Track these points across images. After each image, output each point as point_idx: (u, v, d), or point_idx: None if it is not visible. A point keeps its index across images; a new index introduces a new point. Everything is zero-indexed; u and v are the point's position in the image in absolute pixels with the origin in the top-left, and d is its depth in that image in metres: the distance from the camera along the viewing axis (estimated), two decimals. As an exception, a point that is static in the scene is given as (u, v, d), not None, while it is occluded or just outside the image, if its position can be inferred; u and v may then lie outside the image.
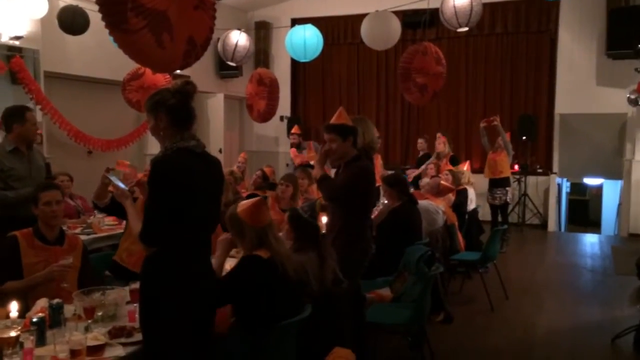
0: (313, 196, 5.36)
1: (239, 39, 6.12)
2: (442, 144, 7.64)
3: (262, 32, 10.81)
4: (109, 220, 5.11)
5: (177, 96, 2.34)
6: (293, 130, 8.25)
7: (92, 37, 6.67)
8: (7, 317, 2.48)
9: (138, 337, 2.42)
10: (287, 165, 10.20)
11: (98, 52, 7.44)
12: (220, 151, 9.83)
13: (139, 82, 6.40)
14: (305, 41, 6.24)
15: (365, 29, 6.18)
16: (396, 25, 6.20)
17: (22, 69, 6.56)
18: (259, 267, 2.65)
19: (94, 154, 7.95)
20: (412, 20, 9.45)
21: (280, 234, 3.23)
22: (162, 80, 6.40)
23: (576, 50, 9.31)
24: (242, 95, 8.69)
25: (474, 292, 5.68)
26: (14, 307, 2.39)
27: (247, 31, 6.63)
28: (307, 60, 6.52)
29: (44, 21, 6.65)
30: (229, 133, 10.62)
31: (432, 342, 4.00)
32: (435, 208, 5.58)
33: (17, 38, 6.53)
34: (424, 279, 3.69)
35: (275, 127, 10.94)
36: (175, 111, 2.32)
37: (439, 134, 7.77)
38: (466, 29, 5.81)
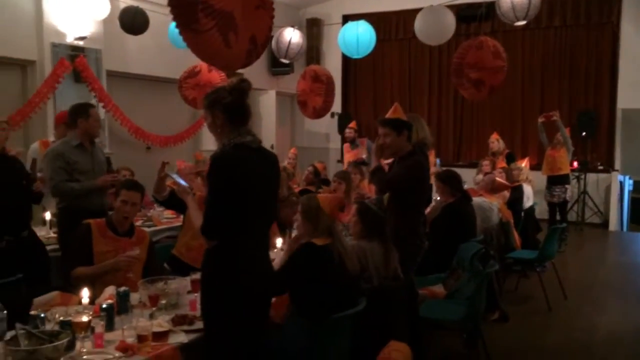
0: (365, 192, 5.36)
1: (292, 36, 6.19)
2: (495, 142, 7.50)
3: (314, 29, 10.87)
4: (168, 213, 5.30)
5: (232, 94, 2.39)
6: (350, 125, 8.26)
7: (151, 36, 6.90)
8: (79, 303, 2.62)
9: (199, 325, 2.51)
10: (338, 161, 10.23)
11: (156, 51, 7.69)
12: (272, 147, 9.95)
13: (195, 80, 6.57)
14: (358, 37, 6.25)
15: (419, 24, 6.12)
16: (451, 20, 6.11)
17: (85, 68, 6.85)
18: (314, 254, 2.71)
19: (152, 149, 8.22)
20: (466, 14, 9.27)
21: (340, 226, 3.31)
22: (217, 78, 6.55)
23: (640, 43, 8.91)
24: (293, 91, 8.76)
25: (531, 291, 5.55)
26: (85, 294, 2.52)
27: (299, 28, 6.69)
28: (359, 56, 6.52)
29: (106, 22, 6.92)
30: (281, 129, 10.74)
31: (487, 341, 3.93)
32: (489, 205, 5.49)
33: (81, 39, 6.83)
34: (479, 277, 3.64)
35: (326, 124, 10.98)
36: (232, 108, 2.38)
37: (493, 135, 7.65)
38: (524, 22, 5.66)
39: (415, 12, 6.39)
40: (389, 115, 3.52)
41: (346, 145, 8.22)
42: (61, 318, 2.30)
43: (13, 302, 2.27)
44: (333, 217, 2.88)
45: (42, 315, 2.30)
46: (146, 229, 4.58)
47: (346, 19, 9.50)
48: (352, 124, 8.34)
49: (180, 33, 2.90)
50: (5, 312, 1.97)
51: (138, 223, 4.90)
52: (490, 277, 4.22)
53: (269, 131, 10.18)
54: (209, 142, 8.88)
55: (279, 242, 3.85)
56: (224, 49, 2.85)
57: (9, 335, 2.09)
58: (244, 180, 2.32)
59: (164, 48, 7.17)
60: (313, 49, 10.83)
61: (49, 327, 2.28)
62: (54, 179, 3.92)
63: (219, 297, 2.37)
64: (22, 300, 2.57)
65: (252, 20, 2.89)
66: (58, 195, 4.01)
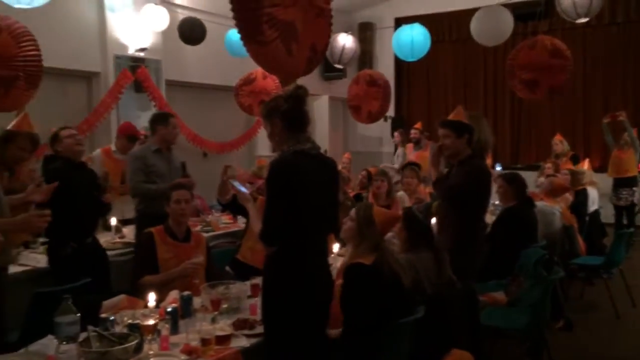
0: (422, 196, 5.30)
1: (346, 41, 6.21)
2: (558, 144, 7.25)
3: (367, 33, 10.86)
4: (226, 218, 5.42)
5: (289, 101, 2.41)
6: (415, 126, 8.19)
7: (208, 46, 7.06)
8: (144, 306, 2.70)
9: (260, 329, 2.54)
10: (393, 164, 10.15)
11: (213, 60, 7.87)
12: (325, 152, 9.99)
13: (250, 87, 6.69)
14: (412, 40, 6.20)
15: (475, 25, 6.00)
16: (508, 20, 5.97)
17: (146, 78, 7.10)
18: (365, 274, 2.66)
19: (209, 156, 8.42)
20: (523, 13, 9.01)
21: (390, 234, 3.26)
22: (271, 85, 6.65)
23: None
24: (346, 96, 8.78)
25: (597, 299, 5.32)
26: (152, 298, 2.59)
27: (351, 33, 6.70)
28: (414, 59, 6.48)
29: (165, 33, 7.15)
30: (333, 134, 10.78)
31: (551, 350, 3.80)
32: (551, 209, 5.31)
33: (142, 50, 7.08)
34: (543, 284, 3.53)
35: (379, 128, 10.92)
36: (289, 116, 2.40)
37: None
38: (586, 19, 5.45)
39: (469, 12, 6.27)
40: (451, 117, 3.48)
41: (409, 146, 8.14)
42: (129, 321, 2.38)
43: (83, 305, 2.36)
44: (383, 232, 2.83)
45: (112, 318, 2.39)
46: (205, 234, 4.71)
47: (399, 21, 9.46)
48: (417, 125, 8.24)
49: (245, 45, 2.97)
50: (78, 315, 2.06)
51: (197, 228, 5.02)
52: (555, 284, 4.07)
53: (322, 136, 10.22)
54: (264, 148, 9.00)
55: (335, 247, 3.85)
56: (286, 58, 2.90)
57: (82, 336, 2.18)
58: (302, 187, 2.33)
59: (220, 57, 7.34)
60: (365, 53, 10.81)
61: (118, 329, 2.37)
62: (133, 180, 4.18)
63: (278, 302, 2.40)
64: (91, 303, 2.67)
65: (312, 29, 2.93)
66: (136, 195, 4.26)
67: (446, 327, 2.94)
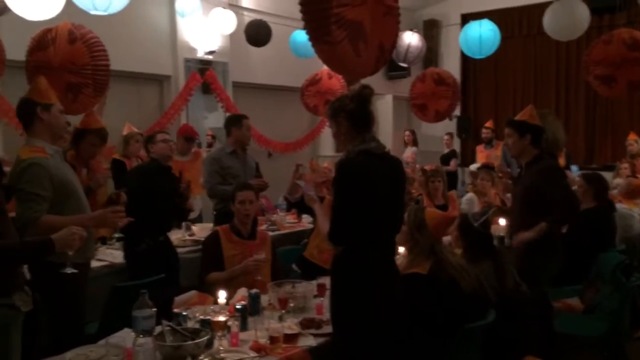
0: (491, 200, 5.14)
1: (411, 39, 6.13)
2: (633, 144, 6.86)
3: (433, 31, 10.68)
4: (290, 218, 5.47)
5: (355, 101, 2.42)
6: (487, 125, 7.96)
7: (273, 47, 7.17)
8: (214, 303, 2.77)
9: (327, 329, 2.55)
10: (458, 165, 9.92)
11: (278, 61, 7.99)
12: (388, 152, 9.92)
13: (316, 88, 6.74)
14: (480, 37, 6.04)
15: (549, 19, 5.76)
16: (584, 13, 5.69)
17: (214, 80, 7.30)
18: (421, 286, 2.62)
19: (273, 156, 8.54)
20: (599, 6, 8.55)
21: (447, 237, 3.18)
22: (337, 85, 6.66)
23: None
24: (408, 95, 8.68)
25: (681, 308, 4.97)
26: (222, 295, 2.66)
27: (416, 30, 6.61)
28: (482, 56, 6.31)
29: (232, 36, 7.32)
30: (397, 133, 10.67)
31: (631, 361, 3.60)
32: (630, 212, 5.04)
33: (210, 53, 7.29)
34: (622, 290, 3.34)
35: (444, 127, 10.71)
36: (355, 115, 2.40)
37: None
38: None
39: (540, 6, 6.04)
40: (519, 117, 3.37)
41: (480, 146, 7.93)
42: (201, 317, 2.45)
43: (157, 300, 2.45)
44: (437, 236, 2.76)
45: (184, 313, 2.47)
46: (270, 233, 4.78)
47: (465, 18, 9.23)
48: (488, 123, 8.00)
49: (313, 46, 2.99)
50: (154, 309, 2.14)
51: (262, 227, 5.10)
52: (635, 291, 3.85)
53: (385, 136, 10.12)
54: (327, 148, 9.05)
55: (401, 248, 3.80)
56: (354, 58, 2.90)
57: (156, 330, 2.26)
58: (369, 187, 2.32)
59: (285, 58, 7.44)
60: (430, 51, 10.63)
61: (190, 324, 2.44)
62: (210, 182, 4.37)
63: (346, 302, 2.40)
64: (164, 298, 2.77)
65: (380, 28, 2.92)
66: (212, 196, 4.46)
67: (517, 335, 2.84)
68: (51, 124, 2.73)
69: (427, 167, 6.24)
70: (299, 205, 3.85)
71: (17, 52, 4.07)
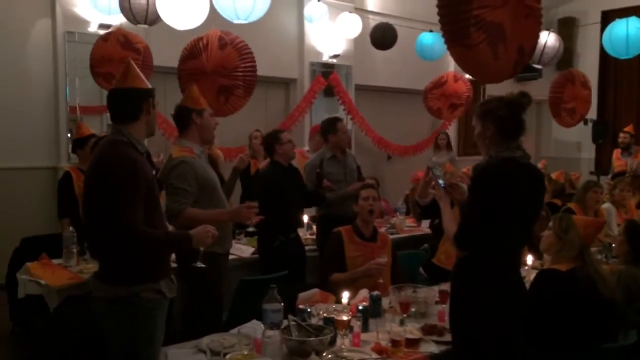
0: (631, 212, 4.72)
1: (547, 39, 5.78)
2: None
3: (569, 29, 10.00)
4: (409, 222, 5.43)
5: (509, 107, 2.33)
6: (626, 129, 7.32)
7: (397, 50, 7.15)
8: (336, 302, 2.83)
9: (449, 337, 2.49)
10: (592, 172, 9.22)
11: (401, 64, 7.95)
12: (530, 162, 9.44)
13: (441, 91, 6.62)
14: (627, 35, 5.55)
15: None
16: None
17: (338, 83, 7.45)
18: (556, 281, 2.53)
19: (393, 159, 8.52)
20: None
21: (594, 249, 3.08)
22: (463, 87, 6.49)
23: None
24: (540, 98, 8.19)
25: None
26: (345, 295, 2.71)
27: (553, 30, 6.22)
28: (629, 56, 5.80)
29: (356, 40, 7.41)
30: (525, 138, 10.05)
31: None
32: None
33: (335, 56, 7.45)
34: None
35: (577, 131, 10.00)
36: (504, 122, 2.31)
37: None
38: None
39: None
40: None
41: (617, 151, 7.31)
42: (324, 314, 2.52)
43: (284, 295, 2.55)
44: (587, 241, 2.71)
45: (309, 310, 2.55)
46: (390, 237, 4.78)
47: (606, 15, 8.54)
48: (628, 128, 7.34)
49: (449, 48, 2.94)
50: (282, 304, 2.24)
51: (381, 230, 5.12)
52: None
53: (511, 140, 9.67)
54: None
55: (529, 259, 3.62)
56: (492, 61, 2.82)
57: (283, 324, 2.36)
58: (506, 196, 2.24)
59: (409, 60, 7.39)
60: (566, 51, 9.95)
61: (313, 321, 2.52)
62: (313, 188, 4.38)
63: (467, 311, 2.33)
64: (290, 294, 2.88)
65: (520, 30, 2.80)
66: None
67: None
68: (203, 127, 3.06)
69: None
70: (427, 210, 3.79)
71: (161, 59, 4.47)
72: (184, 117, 3.07)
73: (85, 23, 5.69)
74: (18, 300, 3.62)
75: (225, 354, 2.16)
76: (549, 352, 2.52)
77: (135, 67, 2.28)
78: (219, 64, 3.85)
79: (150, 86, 2.32)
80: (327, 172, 4.38)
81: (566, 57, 9.98)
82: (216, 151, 5.36)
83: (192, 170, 2.92)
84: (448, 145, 7.91)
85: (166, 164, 3.05)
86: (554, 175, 5.73)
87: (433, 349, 2.42)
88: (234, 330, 2.46)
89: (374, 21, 7.24)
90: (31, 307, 3.50)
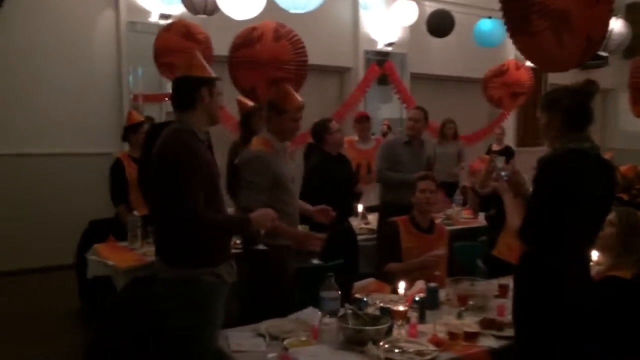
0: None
1: (614, 25, 5.51)
2: None
3: (639, 15, 9.49)
4: (466, 213, 5.33)
5: (575, 96, 2.24)
6: None
7: (454, 37, 6.99)
8: (392, 292, 2.82)
9: (508, 332, 2.43)
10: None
11: (458, 52, 7.79)
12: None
13: (502, 79, 6.41)
14: None
15: None
16: None
17: (392, 72, 7.37)
18: (620, 290, 2.42)
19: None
20: None
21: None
22: (525, 76, 6.28)
23: None
24: (605, 86, 7.84)
25: None
26: (402, 286, 2.69)
27: (620, 15, 5.93)
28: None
29: (412, 27, 7.30)
30: (591, 129, 9.75)
31: None
32: None
33: (390, 44, 7.37)
34: None
35: (641, 122, 9.52)
36: (571, 112, 2.22)
37: None
38: None
39: None
40: None
41: None
42: (381, 304, 2.51)
43: (340, 284, 2.56)
44: None
45: (365, 299, 2.55)
46: (446, 228, 4.71)
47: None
48: None
49: (511, 36, 2.85)
50: (339, 292, 2.25)
51: (437, 221, 5.04)
52: None
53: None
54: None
55: (594, 255, 3.48)
56: (556, 50, 2.70)
57: (340, 312, 2.37)
58: (573, 189, 2.15)
59: (467, 48, 7.21)
60: (634, 37, 9.46)
61: (370, 310, 2.51)
62: (379, 165, 4.54)
63: (530, 306, 2.27)
64: (345, 282, 2.89)
65: (589, 18, 2.66)
66: (380, 181, 4.62)
67: None
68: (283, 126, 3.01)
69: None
70: (486, 200, 3.71)
71: (218, 48, 4.54)
72: (272, 113, 3.04)
73: (147, 13, 5.86)
74: (87, 280, 3.78)
75: (283, 339, 2.19)
76: (613, 353, 2.42)
77: (200, 57, 2.32)
78: (273, 56, 3.87)
79: (213, 75, 2.35)
80: (397, 154, 4.48)
81: (634, 43, 9.50)
82: None
83: (266, 165, 2.88)
84: (455, 135, 6.81)
85: (244, 153, 3.05)
86: (622, 169, 5.46)
87: (492, 343, 2.37)
88: (292, 316, 2.49)
89: (430, 8, 7.11)
90: (99, 287, 3.64)
